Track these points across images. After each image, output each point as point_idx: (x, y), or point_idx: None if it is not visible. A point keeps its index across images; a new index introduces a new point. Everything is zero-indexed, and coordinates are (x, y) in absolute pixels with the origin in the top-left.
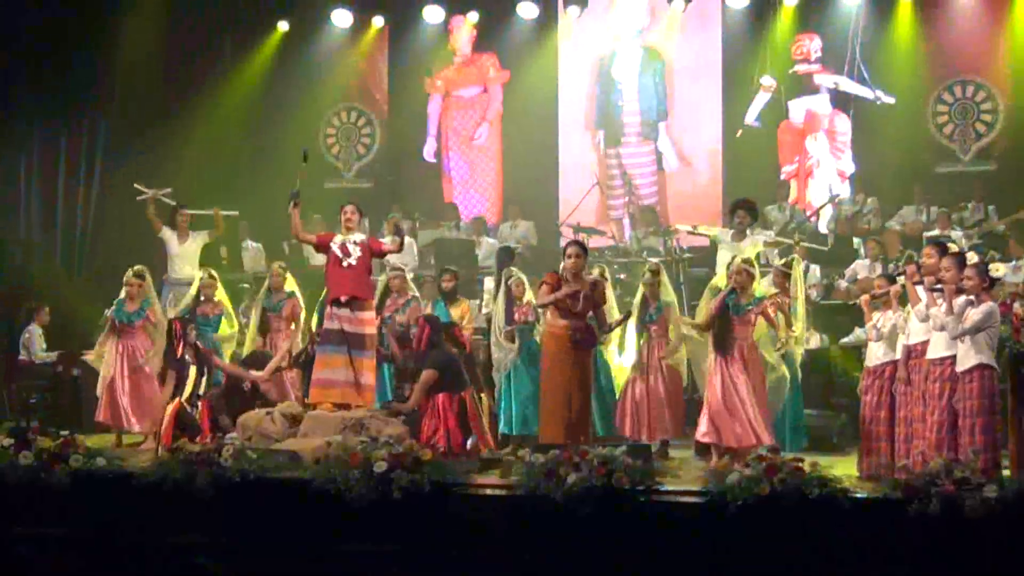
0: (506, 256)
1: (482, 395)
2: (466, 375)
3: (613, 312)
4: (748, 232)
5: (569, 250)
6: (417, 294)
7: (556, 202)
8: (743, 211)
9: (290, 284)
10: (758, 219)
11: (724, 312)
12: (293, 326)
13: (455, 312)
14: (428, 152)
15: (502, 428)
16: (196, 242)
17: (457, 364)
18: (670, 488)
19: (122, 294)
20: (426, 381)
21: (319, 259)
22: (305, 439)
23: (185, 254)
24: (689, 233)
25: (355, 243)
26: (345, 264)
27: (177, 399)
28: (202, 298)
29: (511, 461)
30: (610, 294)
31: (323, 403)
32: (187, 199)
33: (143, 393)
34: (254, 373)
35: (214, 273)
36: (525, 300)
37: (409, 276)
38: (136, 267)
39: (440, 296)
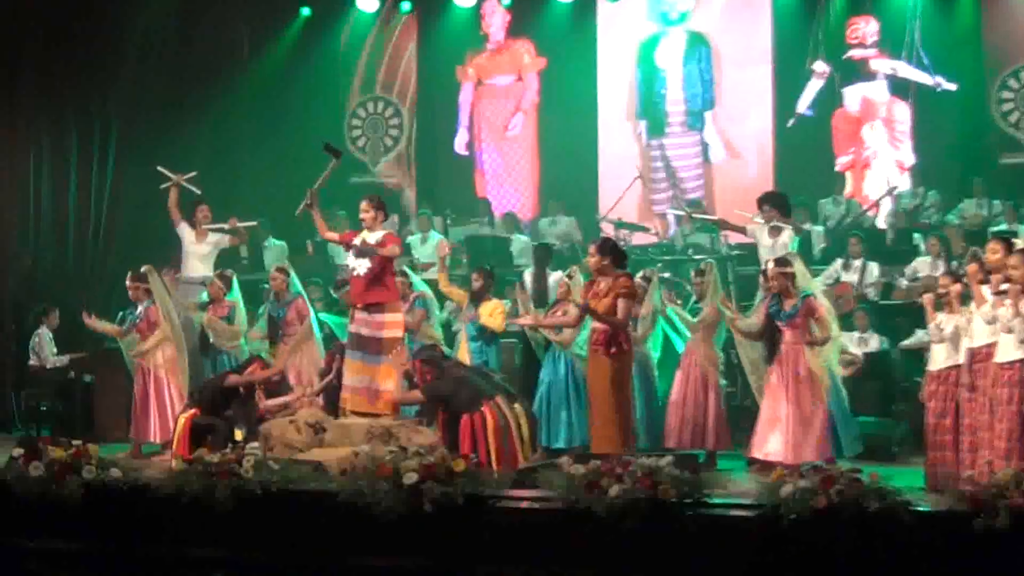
0: (544, 254)
1: (515, 404)
2: (484, 387)
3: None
4: (779, 227)
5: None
6: (427, 293)
7: (596, 197)
8: (768, 205)
9: (295, 285)
10: (789, 212)
11: (770, 321)
12: (305, 331)
13: (484, 312)
14: (459, 144)
15: (543, 440)
16: (214, 242)
17: (464, 384)
18: (719, 501)
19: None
20: (418, 400)
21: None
22: (331, 449)
23: (200, 253)
24: (694, 217)
25: (364, 250)
26: (355, 274)
27: (194, 410)
28: (210, 302)
29: (550, 472)
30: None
31: (352, 412)
32: (204, 195)
33: (157, 401)
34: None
35: (228, 274)
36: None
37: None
38: (142, 268)
39: (469, 296)
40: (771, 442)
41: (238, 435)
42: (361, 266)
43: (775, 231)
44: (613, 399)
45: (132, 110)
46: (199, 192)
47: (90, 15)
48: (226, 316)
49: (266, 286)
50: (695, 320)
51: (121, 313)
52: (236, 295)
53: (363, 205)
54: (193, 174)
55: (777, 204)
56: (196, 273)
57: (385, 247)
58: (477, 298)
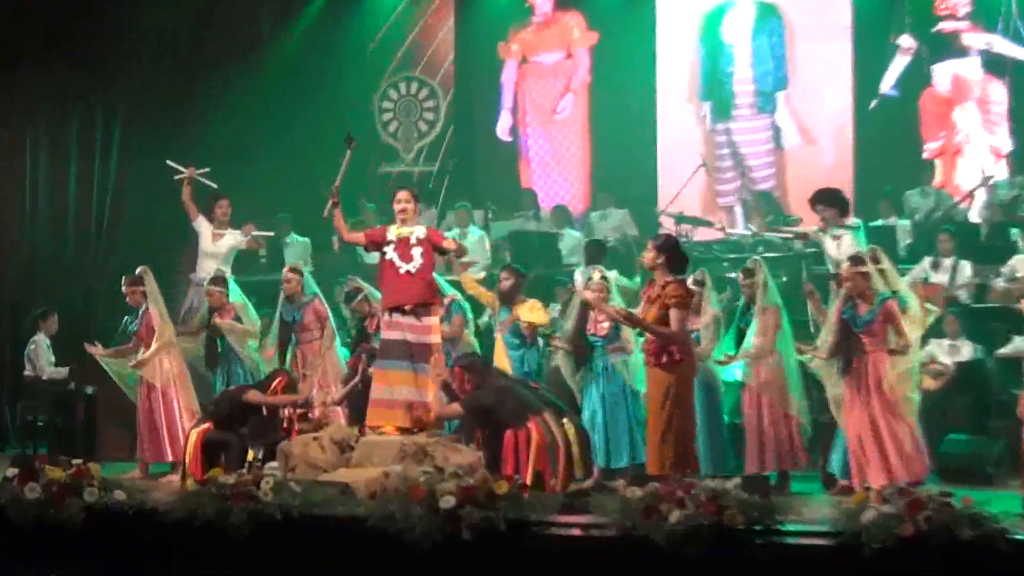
0: (596, 251)
1: (564, 420)
2: (530, 400)
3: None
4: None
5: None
6: (459, 296)
7: (654, 187)
8: (823, 205)
9: (311, 286)
10: (847, 211)
11: (845, 329)
12: (325, 338)
13: (523, 312)
14: (502, 129)
15: (597, 460)
16: (232, 242)
17: (508, 395)
18: (792, 528)
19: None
20: (457, 414)
21: (374, 257)
22: (358, 469)
23: (217, 253)
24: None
25: (415, 242)
26: (403, 271)
27: (207, 424)
28: (214, 310)
29: (603, 496)
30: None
31: (384, 427)
32: (223, 189)
33: (167, 417)
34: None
35: (221, 274)
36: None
37: (481, 275)
38: (137, 270)
39: (497, 298)
40: (850, 462)
41: (251, 455)
42: (411, 263)
43: (837, 235)
44: (668, 414)
45: (139, 98)
46: (215, 187)
47: None
48: (234, 319)
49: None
50: (749, 348)
51: (126, 318)
52: (239, 295)
53: (401, 196)
54: (206, 170)
55: (833, 203)
56: (210, 274)
57: (448, 245)
58: (507, 299)
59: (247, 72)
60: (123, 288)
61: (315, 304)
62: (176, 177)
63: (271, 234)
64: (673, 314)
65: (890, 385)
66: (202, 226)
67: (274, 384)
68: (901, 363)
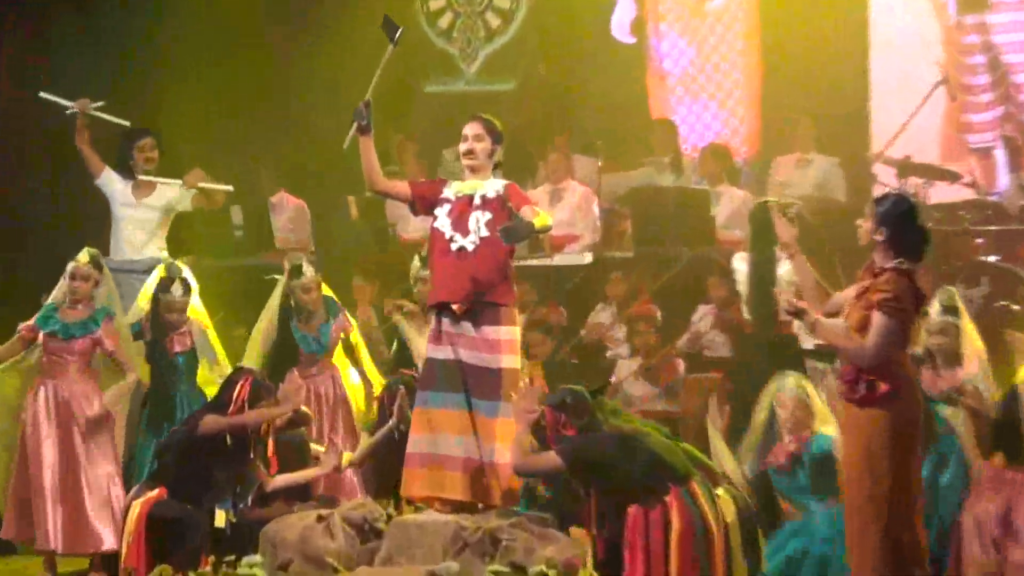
0: (764, 215)
1: (719, 490)
2: (670, 460)
3: None
4: None
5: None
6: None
7: (865, 120)
8: None
9: (331, 304)
10: None
11: None
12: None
13: None
14: (619, 26)
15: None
16: (165, 201)
17: (635, 448)
18: None
19: (56, 292)
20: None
21: (415, 226)
22: (389, 569)
23: (142, 219)
24: None
25: (479, 204)
26: (456, 248)
27: (155, 492)
28: (163, 315)
29: None
30: None
31: (426, 499)
32: (142, 128)
33: (86, 484)
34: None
35: (181, 269)
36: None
37: (585, 259)
38: (87, 250)
39: None
40: None
41: (219, 520)
42: (469, 236)
43: None
44: (875, 481)
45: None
46: (126, 124)
47: None
48: (188, 350)
49: (278, 277)
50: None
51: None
52: (198, 313)
53: (469, 129)
54: (101, 103)
55: None
56: (136, 254)
57: (530, 208)
58: None
59: None
60: (79, 266)
61: (340, 324)
62: (68, 111)
63: (229, 188)
64: (878, 321)
65: None
66: (111, 182)
67: (237, 392)
68: None
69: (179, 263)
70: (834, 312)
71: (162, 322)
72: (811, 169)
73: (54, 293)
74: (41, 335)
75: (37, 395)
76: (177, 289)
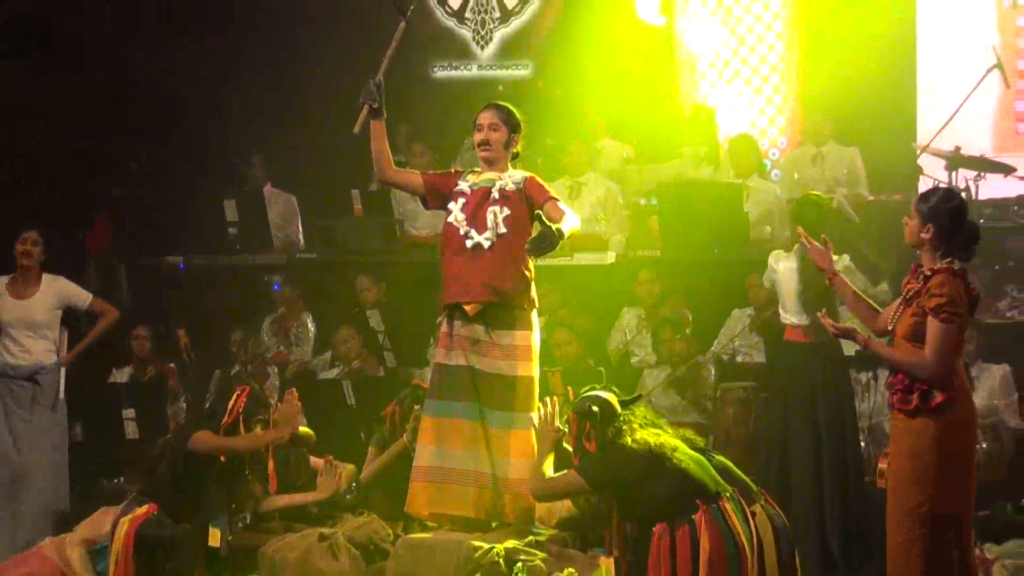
0: (812, 212)
1: (755, 507)
2: (701, 475)
3: None
4: None
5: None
6: None
7: (911, 108)
8: None
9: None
10: None
11: None
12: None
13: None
14: (646, 5)
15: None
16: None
17: (663, 464)
18: None
19: None
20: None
21: (424, 222)
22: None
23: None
24: None
25: (497, 197)
26: (471, 245)
27: (144, 509)
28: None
29: None
30: None
31: (433, 517)
32: None
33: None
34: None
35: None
36: None
37: (608, 258)
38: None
39: None
40: None
41: (214, 539)
42: (486, 232)
43: None
44: (923, 497)
45: None
46: None
47: None
48: None
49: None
50: None
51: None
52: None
53: (484, 118)
54: None
55: None
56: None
57: (554, 204)
58: None
59: None
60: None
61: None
62: None
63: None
64: (935, 329)
65: None
66: None
67: (232, 403)
68: None
69: None
70: (884, 330)
71: None
72: (832, 160)
73: None
74: None
75: None
76: None
